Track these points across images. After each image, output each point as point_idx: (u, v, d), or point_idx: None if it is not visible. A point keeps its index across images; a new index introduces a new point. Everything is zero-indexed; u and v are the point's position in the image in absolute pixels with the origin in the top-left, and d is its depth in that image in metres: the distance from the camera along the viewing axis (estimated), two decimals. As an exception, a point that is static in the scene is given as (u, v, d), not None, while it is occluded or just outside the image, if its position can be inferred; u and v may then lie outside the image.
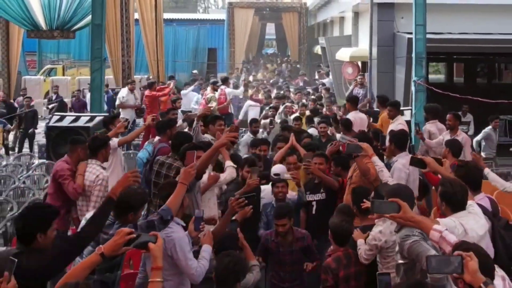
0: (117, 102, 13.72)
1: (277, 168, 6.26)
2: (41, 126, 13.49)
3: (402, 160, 5.79)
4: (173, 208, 3.83)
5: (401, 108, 12.07)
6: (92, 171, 5.78)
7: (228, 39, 28.79)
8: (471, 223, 3.72)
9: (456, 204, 3.80)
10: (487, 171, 5.51)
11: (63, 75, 23.50)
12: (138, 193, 4.06)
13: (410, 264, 3.79)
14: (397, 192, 3.84)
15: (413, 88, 11.50)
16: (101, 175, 5.73)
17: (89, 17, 16.77)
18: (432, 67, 19.50)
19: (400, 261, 3.85)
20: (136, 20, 19.28)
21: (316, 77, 23.43)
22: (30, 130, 13.46)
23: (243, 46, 28.83)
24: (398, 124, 8.18)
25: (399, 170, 5.71)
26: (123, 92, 13.52)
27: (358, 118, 9.05)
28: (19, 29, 19.82)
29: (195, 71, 23.77)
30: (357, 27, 19.47)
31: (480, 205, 4.26)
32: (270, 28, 36.88)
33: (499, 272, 3.02)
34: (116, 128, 7.16)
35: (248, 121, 10.20)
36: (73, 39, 18.82)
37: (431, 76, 18.60)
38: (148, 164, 6.48)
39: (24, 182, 8.88)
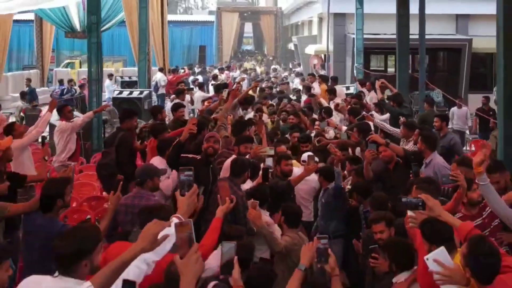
0: (163, 84, 18.17)
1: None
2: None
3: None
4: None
5: (348, 85, 17.57)
6: None
7: (216, 37, 33.65)
8: None
9: None
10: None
11: (80, 68, 27.97)
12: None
13: None
14: None
15: (355, 71, 17.02)
16: None
17: (115, 19, 21.42)
18: (388, 60, 23.95)
19: None
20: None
21: (290, 66, 28.95)
22: None
23: (230, 43, 33.87)
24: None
25: None
26: (160, 76, 18.36)
27: (318, 88, 14.43)
28: (50, 28, 23.81)
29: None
30: (321, 29, 24.05)
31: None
32: (248, 27, 40.78)
33: None
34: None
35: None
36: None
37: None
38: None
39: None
